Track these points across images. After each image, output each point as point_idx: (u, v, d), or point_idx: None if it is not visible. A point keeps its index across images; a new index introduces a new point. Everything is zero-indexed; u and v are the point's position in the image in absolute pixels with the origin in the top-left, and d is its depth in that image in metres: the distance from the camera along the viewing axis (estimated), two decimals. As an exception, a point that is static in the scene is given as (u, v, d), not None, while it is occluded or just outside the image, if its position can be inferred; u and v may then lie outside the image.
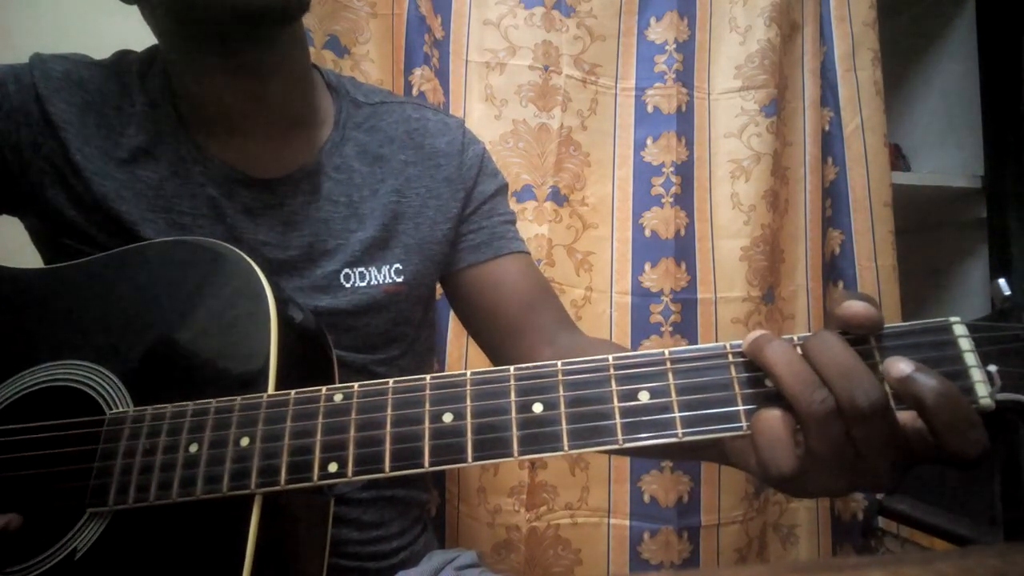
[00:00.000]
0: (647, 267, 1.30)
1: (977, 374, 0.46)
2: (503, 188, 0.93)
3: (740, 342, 0.50)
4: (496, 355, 0.90)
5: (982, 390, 0.46)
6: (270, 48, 0.74)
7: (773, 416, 0.46)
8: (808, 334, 0.48)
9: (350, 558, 0.81)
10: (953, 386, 0.44)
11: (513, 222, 0.92)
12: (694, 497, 1.28)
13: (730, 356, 0.50)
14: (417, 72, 1.23)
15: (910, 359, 0.45)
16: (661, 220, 1.30)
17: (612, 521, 1.27)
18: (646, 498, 1.27)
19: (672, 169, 1.31)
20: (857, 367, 0.45)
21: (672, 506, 1.26)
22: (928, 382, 0.44)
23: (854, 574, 0.34)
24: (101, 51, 0.82)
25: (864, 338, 0.48)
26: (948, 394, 0.43)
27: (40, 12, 1.27)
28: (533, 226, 1.26)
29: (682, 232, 1.31)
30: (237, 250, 0.65)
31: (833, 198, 1.43)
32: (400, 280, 0.82)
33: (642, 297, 1.30)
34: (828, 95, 1.43)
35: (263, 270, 0.64)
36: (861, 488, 0.49)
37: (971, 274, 1.70)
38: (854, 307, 0.47)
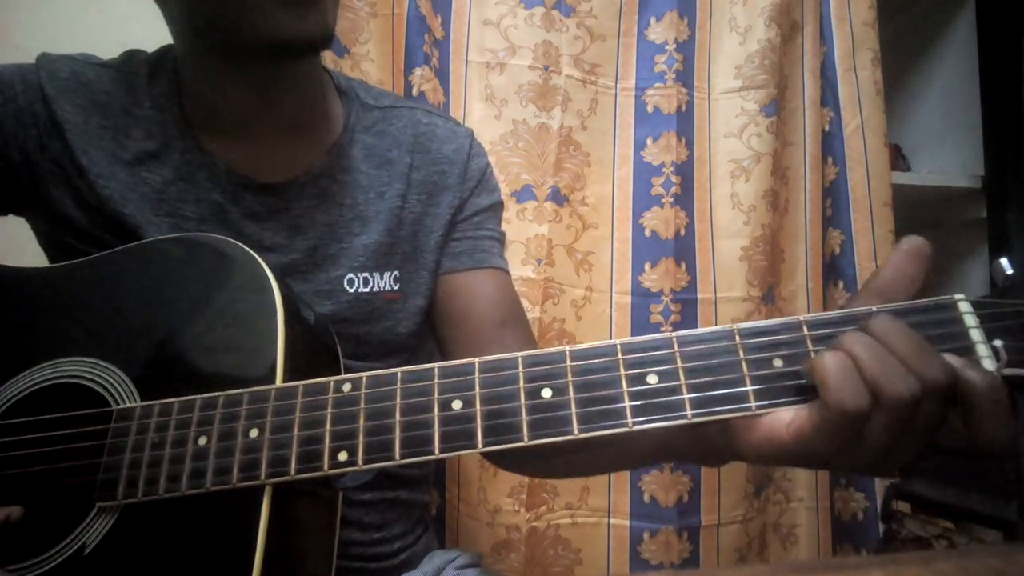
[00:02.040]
0: (647, 267, 1.30)
1: (983, 350, 0.47)
2: (497, 206, 0.93)
3: (748, 324, 0.51)
4: None
5: (988, 365, 0.46)
6: (292, 65, 0.75)
7: (837, 355, 0.46)
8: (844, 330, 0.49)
9: (353, 559, 0.81)
10: (998, 378, 0.45)
11: (500, 240, 0.91)
12: (694, 497, 1.28)
13: (737, 337, 0.51)
14: (417, 72, 1.23)
15: (956, 355, 0.46)
16: (661, 220, 1.30)
17: (612, 521, 1.27)
18: (646, 498, 1.27)
19: (672, 169, 1.31)
20: (930, 347, 0.45)
21: (672, 506, 1.26)
22: (976, 375, 0.45)
23: (854, 574, 0.34)
24: (100, 51, 0.82)
25: (869, 316, 0.49)
26: (996, 386, 0.44)
27: (40, 12, 1.27)
28: (533, 226, 1.26)
29: (682, 232, 1.31)
30: (242, 245, 0.66)
31: (833, 198, 1.43)
32: (397, 288, 0.82)
33: (642, 297, 1.30)
34: (828, 95, 1.43)
35: (273, 270, 0.64)
36: (877, 470, 0.49)
37: (971, 274, 1.70)
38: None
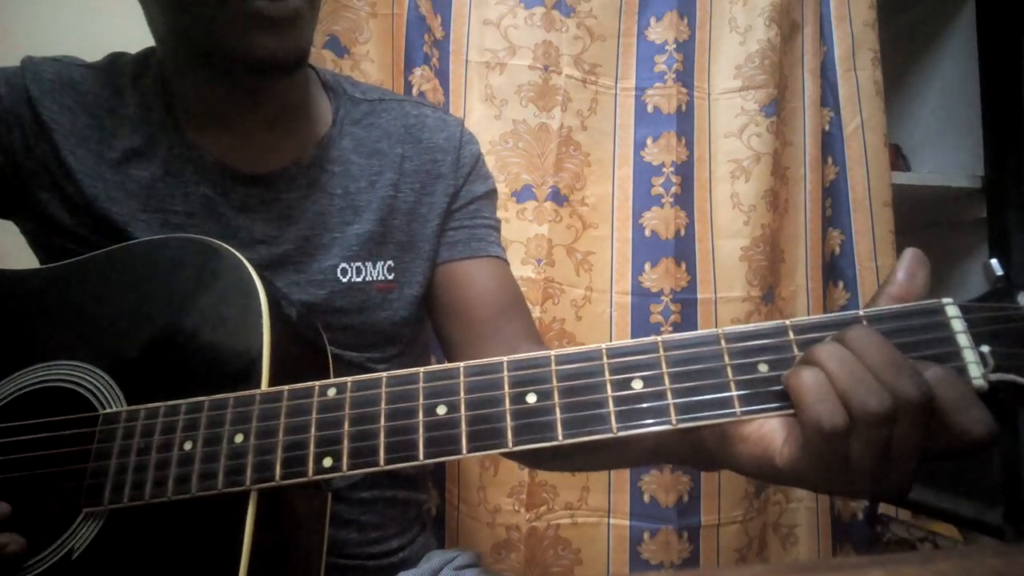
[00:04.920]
0: (647, 267, 1.30)
1: (970, 355, 0.46)
2: (492, 193, 0.93)
3: (732, 328, 0.50)
4: (456, 355, 0.87)
5: (975, 371, 0.46)
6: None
7: (812, 371, 0.46)
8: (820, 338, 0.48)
9: (349, 558, 0.81)
10: (948, 368, 0.45)
11: (496, 228, 0.91)
12: (694, 497, 1.28)
13: (723, 342, 0.50)
14: (417, 72, 1.23)
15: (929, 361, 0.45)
16: (661, 220, 1.30)
17: (612, 521, 1.27)
18: (646, 498, 1.27)
19: (672, 169, 1.31)
20: (904, 361, 0.45)
21: (672, 506, 1.26)
22: (931, 372, 0.44)
23: (854, 574, 0.34)
24: (100, 52, 0.82)
25: (856, 321, 0.49)
26: (945, 377, 0.44)
27: (40, 12, 1.27)
28: (533, 226, 1.26)
29: (682, 232, 1.31)
30: (227, 246, 0.65)
31: (833, 198, 1.43)
32: (391, 277, 0.82)
33: (642, 297, 1.29)
34: (828, 95, 1.43)
35: (259, 266, 0.64)
36: (878, 495, 0.48)
37: (971, 274, 1.70)
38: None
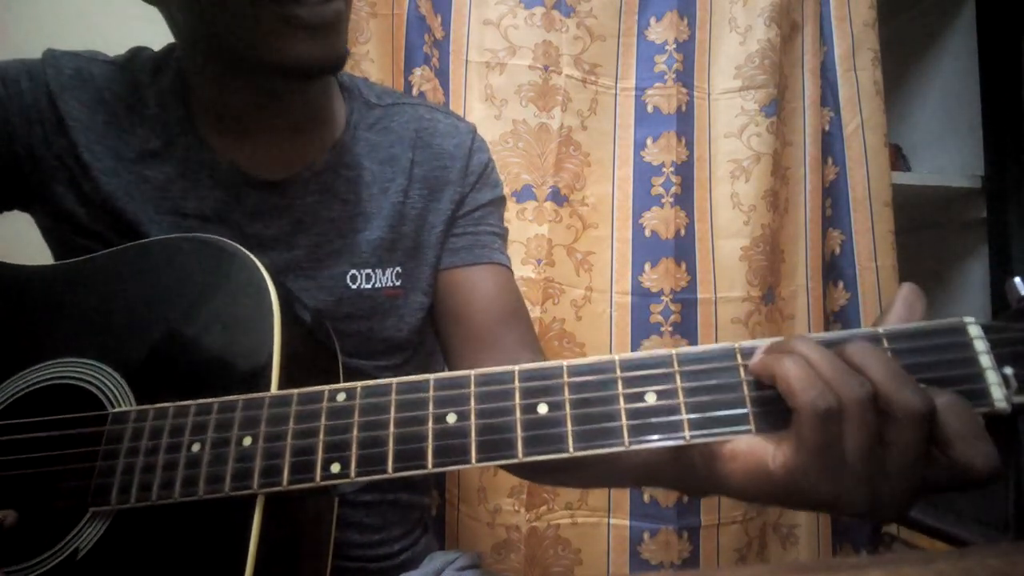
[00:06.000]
0: (647, 267, 1.30)
1: (992, 376, 0.45)
2: (499, 201, 0.92)
3: (749, 342, 0.49)
4: (456, 362, 0.87)
5: (997, 393, 0.45)
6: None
7: (791, 357, 0.45)
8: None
9: (352, 560, 0.81)
10: (961, 397, 0.43)
11: (502, 236, 0.91)
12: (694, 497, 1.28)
13: (739, 356, 0.49)
14: (417, 72, 1.23)
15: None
16: (661, 220, 1.30)
17: (612, 521, 1.27)
18: (646, 498, 1.27)
19: (672, 169, 1.31)
20: (903, 373, 0.43)
21: (672, 506, 1.26)
22: (943, 399, 0.43)
23: (854, 574, 0.34)
24: (102, 50, 0.82)
25: (876, 338, 0.47)
26: (956, 404, 0.43)
27: (40, 11, 1.27)
28: (533, 226, 1.26)
29: (682, 232, 1.31)
30: (240, 247, 0.65)
31: (833, 198, 1.43)
32: (399, 284, 0.82)
33: (642, 297, 1.29)
34: (828, 95, 1.43)
35: (270, 271, 0.64)
36: (870, 509, 0.46)
37: (971, 274, 1.70)
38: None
